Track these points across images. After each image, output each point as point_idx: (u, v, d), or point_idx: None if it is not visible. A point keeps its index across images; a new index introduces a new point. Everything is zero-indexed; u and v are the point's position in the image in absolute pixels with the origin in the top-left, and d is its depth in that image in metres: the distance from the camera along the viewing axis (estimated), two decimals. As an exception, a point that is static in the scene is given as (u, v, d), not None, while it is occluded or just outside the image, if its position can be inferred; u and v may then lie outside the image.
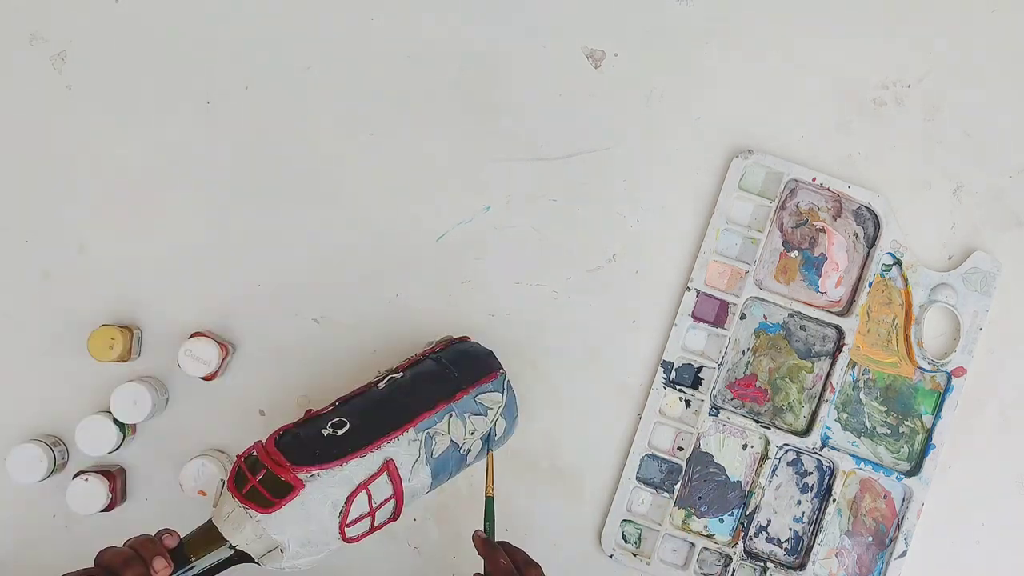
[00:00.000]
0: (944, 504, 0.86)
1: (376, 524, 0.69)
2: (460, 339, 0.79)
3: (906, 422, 0.86)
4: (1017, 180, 0.87)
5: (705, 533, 0.86)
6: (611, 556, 0.85)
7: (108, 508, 0.81)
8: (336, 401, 0.72)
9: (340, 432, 0.68)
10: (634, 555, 0.85)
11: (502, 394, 0.76)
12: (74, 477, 0.81)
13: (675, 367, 0.85)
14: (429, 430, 0.70)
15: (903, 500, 0.86)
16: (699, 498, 0.86)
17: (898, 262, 0.86)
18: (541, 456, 0.86)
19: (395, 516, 0.70)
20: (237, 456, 0.68)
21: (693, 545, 0.85)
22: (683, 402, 0.86)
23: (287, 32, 0.87)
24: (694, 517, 0.86)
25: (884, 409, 0.86)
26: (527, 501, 0.86)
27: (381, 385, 0.73)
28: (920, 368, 0.86)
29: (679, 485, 0.85)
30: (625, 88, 0.87)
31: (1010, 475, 0.87)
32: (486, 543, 0.72)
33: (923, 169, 0.87)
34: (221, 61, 0.86)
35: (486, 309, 0.86)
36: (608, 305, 0.86)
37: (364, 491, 0.67)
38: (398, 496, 0.69)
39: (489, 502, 0.74)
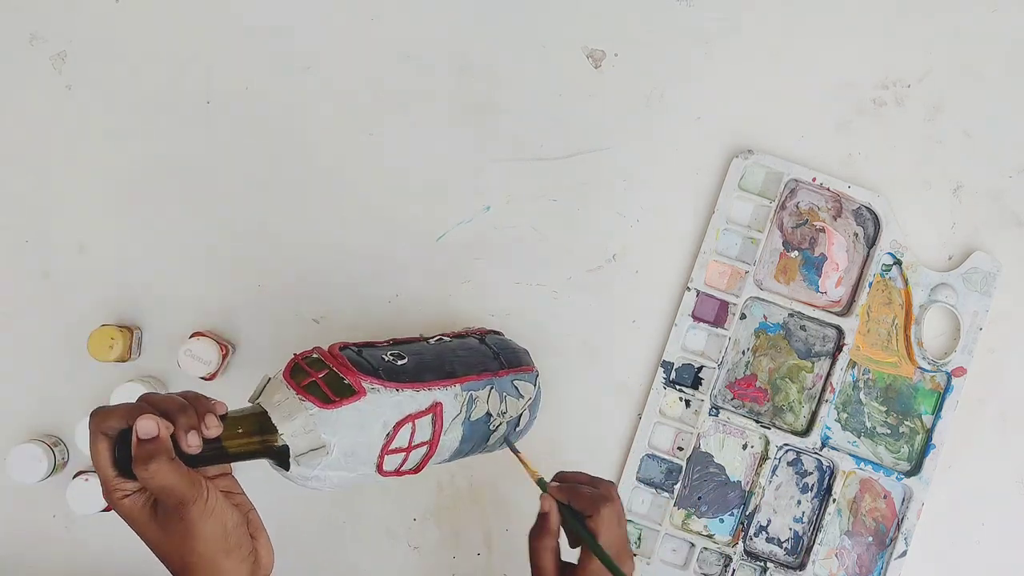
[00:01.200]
0: (944, 504, 0.86)
1: (405, 465, 0.68)
2: (495, 331, 0.80)
3: (906, 422, 0.86)
4: (1017, 180, 0.87)
5: (705, 533, 0.86)
6: (611, 556, 0.85)
7: (108, 508, 0.81)
8: (390, 340, 0.72)
9: (399, 363, 0.68)
10: (634, 555, 0.85)
11: (533, 388, 0.76)
12: (74, 477, 0.81)
13: (675, 367, 0.85)
14: (473, 392, 0.70)
15: (903, 500, 0.86)
16: (699, 498, 0.86)
17: (898, 262, 0.86)
18: (541, 456, 0.86)
19: (419, 467, 0.69)
20: (295, 355, 0.66)
21: (693, 545, 0.85)
22: (683, 402, 0.86)
23: (287, 32, 0.87)
24: (694, 517, 0.86)
25: (884, 409, 0.86)
26: (527, 501, 0.86)
27: (431, 341, 0.74)
28: (920, 368, 0.86)
29: (679, 485, 0.85)
30: (625, 88, 0.87)
31: (1010, 475, 0.87)
32: (565, 489, 0.70)
33: (923, 169, 0.87)
34: (221, 61, 0.86)
35: (486, 309, 0.86)
36: (608, 305, 0.86)
37: (411, 423, 0.66)
38: (434, 442, 0.68)
39: (540, 483, 0.72)
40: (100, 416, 0.56)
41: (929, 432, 0.86)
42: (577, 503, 0.69)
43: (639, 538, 0.86)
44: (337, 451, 0.62)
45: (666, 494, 0.85)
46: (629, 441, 0.86)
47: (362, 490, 0.85)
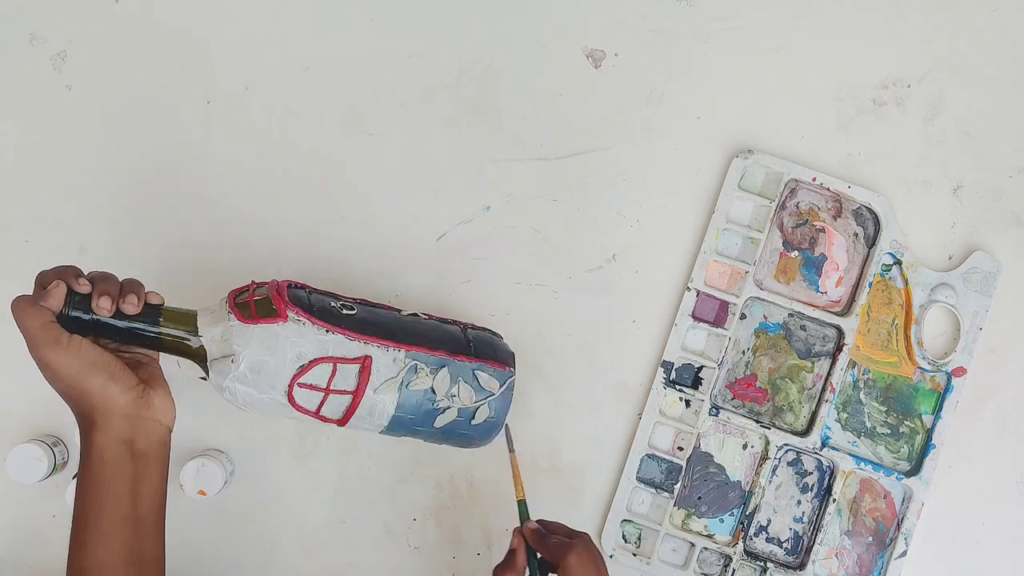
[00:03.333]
0: (944, 504, 0.86)
1: (322, 409, 0.70)
2: (494, 332, 0.80)
3: (906, 422, 0.86)
4: (1017, 180, 0.87)
5: (705, 533, 0.86)
6: (611, 556, 0.85)
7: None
8: (359, 298, 0.75)
9: (344, 311, 0.71)
10: (634, 555, 0.85)
11: (500, 386, 0.75)
12: (74, 477, 0.81)
13: (675, 367, 0.85)
14: (417, 362, 0.71)
15: (903, 500, 0.86)
16: (699, 498, 0.86)
17: (898, 262, 0.86)
18: (541, 456, 0.86)
19: (343, 419, 0.71)
20: (252, 280, 0.71)
21: (693, 545, 0.85)
22: (683, 402, 0.86)
23: (287, 32, 0.87)
24: (694, 517, 0.86)
25: (884, 409, 0.86)
26: (527, 501, 0.86)
27: (403, 313, 0.75)
28: (920, 368, 0.86)
29: (679, 485, 0.85)
30: (625, 88, 0.87)
31: (1010, 475, 0.87)
32: (536, 533, 0.73)
33: (923, 169, 0.87)
34: (221, 61, 0.86)
35: (486, 309, 0.86)
36: (608, 305, 0.86)
37: (331, 364, 0.68)
38: (357, 395, 0.70)
39: (521, 505, 0.75)
40: (42, 273, 0.66)
41: (929, 432, 0.86)
42: (545, 552, 0.71)
43: (639, 538, 0.86)
44: (244, 364, 0.67)
45: (666, 494, 0.85)
46: (629, 441, 0.86)
47: (362, 490, 0.85)
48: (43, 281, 0.65)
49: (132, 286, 0.65)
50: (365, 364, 0.69)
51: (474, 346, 0.75)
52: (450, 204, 0.86)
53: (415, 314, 0.76)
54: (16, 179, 0.86)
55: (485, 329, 0.79)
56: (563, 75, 0.87)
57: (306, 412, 0.69)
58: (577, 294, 0.86)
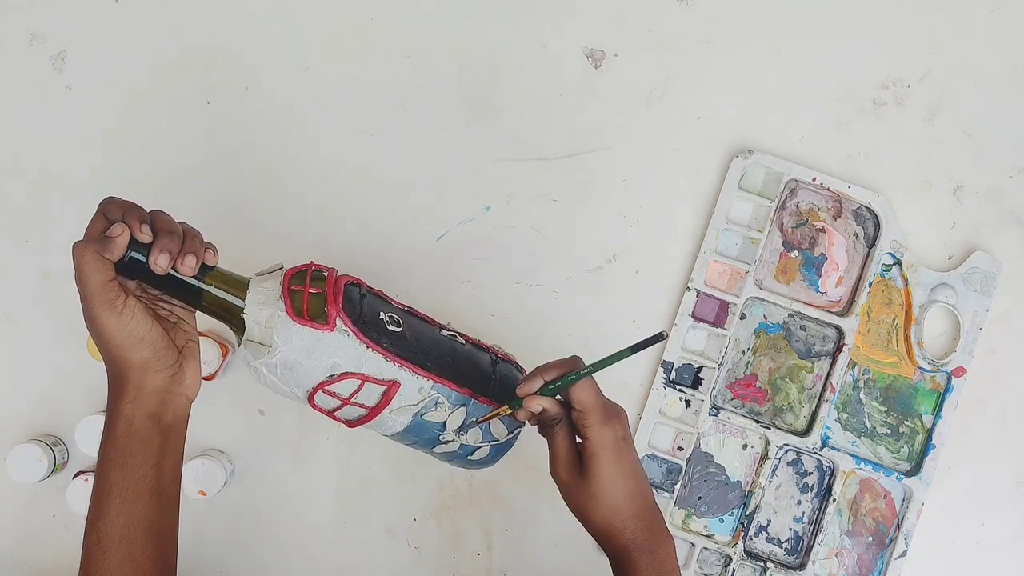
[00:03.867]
0: (944, 504, 0.86)
1: (336, 412, 0.69)
2: (519, 366, 0.79)
3: (906, 422, 0.86)
4: (1017, 180, 0.87)
5: (705, 533, 0.86)
6: (611, 556, 0.85)
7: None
8: (406, 307, 0.73)
9: (390, 327, 0.69)
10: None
11: (507, 433, 0.75)
12: (74, 477, 0.81)
13: (675, 367, 0.85)
14: (440, 396, 0.70)
15: (903, 500, 0.86)
16: (699, 498, 0.86)
17: (898, 262, 0.86)
18: (542, 456, 0.86)
19: (353, 423, 0.70)
20: (312, 261, 0.69)
21: (693, 545, 0.85)
22: (683, 402, 0.86)
23: (287, 32, 0.87)
24: (694, 517, 0.86)
25: (884, 409, 0.86)
26: (527, 501, 0.86)
27: (444, 333, 0.73)
28: (920, 368, 0.86)
29: (679, 485, 0.85)
30: (625, 88, 0.87)
31: (1010, 475, 0.87)
32: (530, 380, 0.68)
33: (923, 169, 0.87)
34: (221, 61, 0.86)
35: (486, 309, 0.86)
36: (608, 305, 0.86)
37: (359, 381, 0.67)
38: (374, 412, 0.69)
39: (514, 404, 0.70)
40: (110, 203, 0.63)
41: (929, 432, 0.86)
42: (550, 375, 0.68)
43: (639, 538, 0.86)
44: (279, 358, 0.65)
45: (666, 494, 0.85)
46: (629, 441, 0.86)
47: (362, 490, 0.85)
48: (106, 212, 0.63)
49: (192, 245, 0.63)
50: (391, 388, 0.68)
51: (498, 385, 0.74)
52: (450, 204, 0.86)
53: (454, 335, 0.74)
54: (16, 179, 0.86)
55: (513, 361, 0.79)
56: (563, 75, 0.87)
57: (320, 411, 0.69)
58: (577, 294, 0.86)
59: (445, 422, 0.71)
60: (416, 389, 0.69)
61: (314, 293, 0.66)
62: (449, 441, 0.73)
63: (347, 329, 0.66)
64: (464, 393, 0.71)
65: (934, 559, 0.86)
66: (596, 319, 0.86)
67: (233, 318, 0.65)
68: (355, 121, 0.86)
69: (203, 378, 0.82)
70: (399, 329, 0.69)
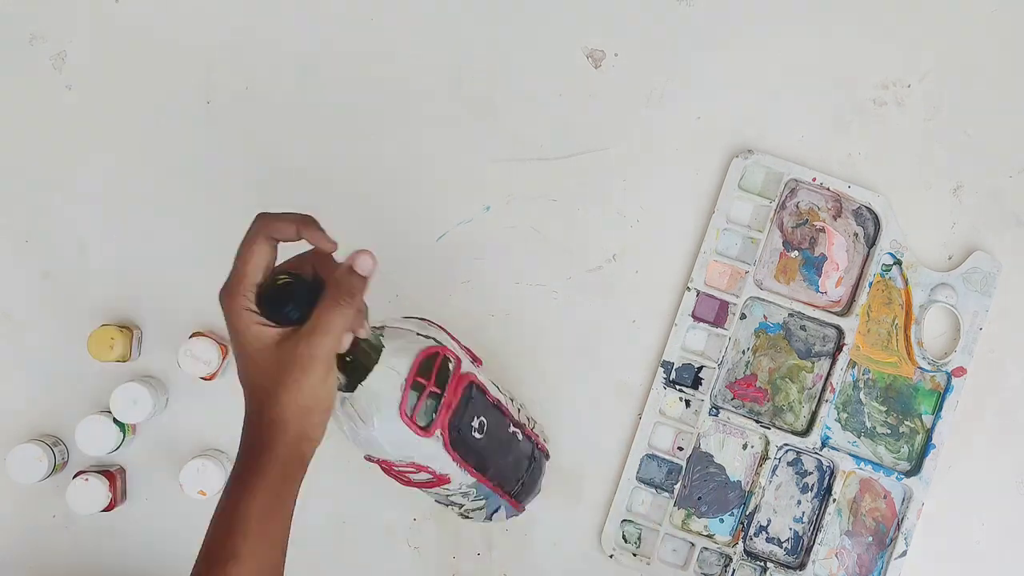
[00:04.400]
0: (944, 504, 0.86)
1: (384, 469, 0.71)
2: (547, 454, 0.81)
3: (906, 422, 0.86)
4: (1017, 180, 0.87)
5: (705, 533, 0.86)
6: (611, 556, 0.85)
7: (108, 508, 0.81)
8: (495, 401, 0.72)
9: (474, 435, 0.70)
10: (634, 555, 0.85)
11: (505, 516, 0.79)
12: (74, 477, 0.81)
13: (675, 367, 0.85)
14: (476, 491, 0.73)
15: (903, 500, 0.86)
16: (699, 498, 0.86)
17: (898, 262, 0.86)
18: (541, 456, 0.86)
19: (390, 477, 0.72)
20: (443, 347, 0.66)
21: (693, 545, 0.85)
22: (683, 402, 0.86)
23: (287, 32, 0.87)
24: (694, 517, 0.86)
25: (884, 409, 0.86)
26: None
27: (511, 428, 0.75)
28: (920, 368, 0.86)
29: (679, 485, 0.85)
30: (625, 88, 0.87)
31: (1010, 475, 0.87)
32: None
33: (923, 169, 0.87)
34: (221, 61, 0.86)
35: (486, 309, 0.86)
36: (608, 305, 0.86)
37: (421, 471, 0.69)
38: (408, 484, 0.72)
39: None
40: (269, 219, 0.57)
41: (929, 432, 0.86)
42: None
43: (639, 538, 0.86)
44: (366, 434, 0.64)
45: (666, 494, 0.85)
46: (629, 441, 0.86)
47: (362, 490, 0.85)
48: (349, 286, 0.57)
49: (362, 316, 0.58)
50: (440, 480, 0.70)
51: (522, 484, 0.77)
52: (450, 204, 0.86)
53: (518, 432, 0.75)
54: (16, 179, 0.86)
55: (544, 449, 0.80)
56: (563, 75, 0.87)
57: (372, 462, 0.71)
58: (577, 294, 0.86)
59: (463, 504, 0.75)
60: (459, 483, 0.71)
61: (431, 393, 0.65)
62: (450, 505, 0.77)
63: (440, 439, 0.67)
64: (495, 490, 0.74)
65: (934, 559, 0.86)
66: (596, 319, 0.86)
67: (349, 371, 0.62)
68: (355, 121, 0.86)
69: (203, 378, 0.83)
70: (481, 436, 0.71)
